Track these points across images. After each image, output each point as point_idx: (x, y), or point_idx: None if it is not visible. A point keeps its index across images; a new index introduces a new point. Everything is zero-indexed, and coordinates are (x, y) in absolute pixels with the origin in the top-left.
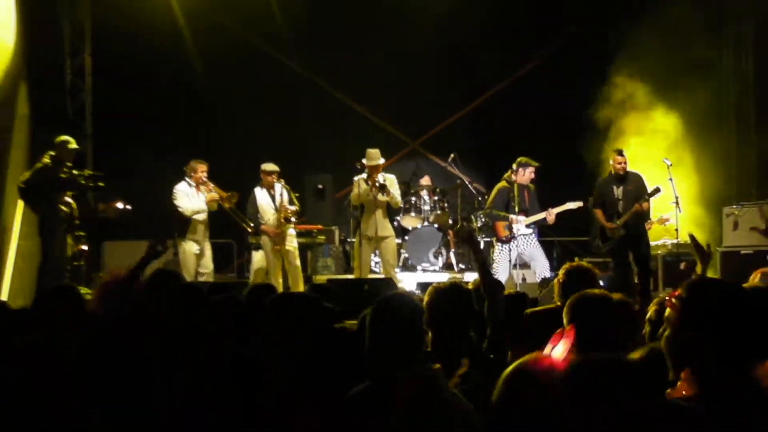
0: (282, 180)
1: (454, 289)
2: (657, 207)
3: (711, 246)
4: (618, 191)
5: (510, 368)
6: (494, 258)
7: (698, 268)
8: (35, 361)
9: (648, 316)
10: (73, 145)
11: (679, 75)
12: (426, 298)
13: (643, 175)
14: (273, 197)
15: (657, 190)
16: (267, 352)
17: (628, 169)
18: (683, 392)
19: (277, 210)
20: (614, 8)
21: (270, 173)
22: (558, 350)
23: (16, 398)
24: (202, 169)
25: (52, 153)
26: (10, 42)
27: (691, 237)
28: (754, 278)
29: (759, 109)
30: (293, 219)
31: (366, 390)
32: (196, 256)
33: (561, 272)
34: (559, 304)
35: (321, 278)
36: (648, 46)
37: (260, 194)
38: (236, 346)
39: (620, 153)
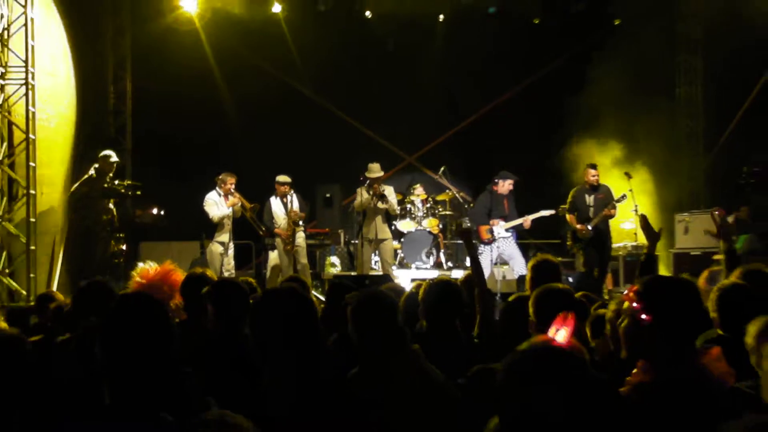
0: (291, 189)
1: (445, 284)
2: (619, 214)
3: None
4: (590, 199)
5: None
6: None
7: (645, 249)
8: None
9: (608, 316)
10: (114, 158)
11: (640, 100)
12: (421, 292)
13: (610, 187)
14: (285, 204)
15: (623, 197)
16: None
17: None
18: (638, 379)
19: (287, 215)
20: (583, 43)
21: (282, 184)
22: (561, 335)
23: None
24: (231, 181)
25: (96, 165)
26: (71, 74)
27: (642, 217)
28: (702, 276)
29: (706, 132)
30: (300, 222)
31: (360, 373)
32: (221, 255)
33: (528, 266)
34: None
35: (329, 275)
36: (614, 75)
37: (274, 203)
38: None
39: (593, 167)
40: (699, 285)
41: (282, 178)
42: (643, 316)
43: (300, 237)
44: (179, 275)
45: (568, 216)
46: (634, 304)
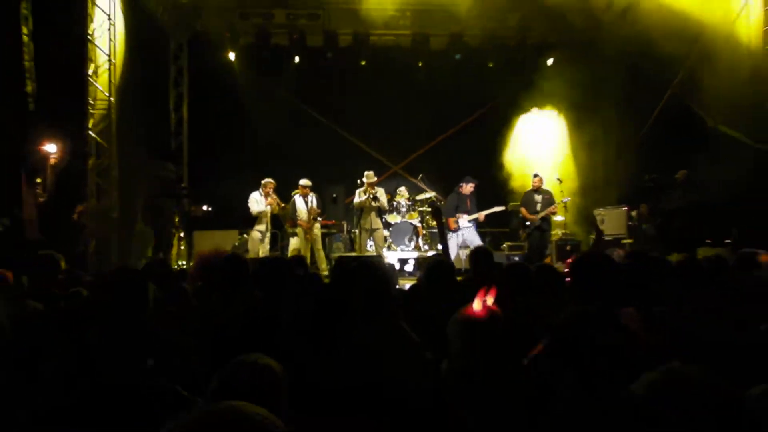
0: (310, 191)
1: (440, 263)
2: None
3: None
4: (537, 198)
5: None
6: (447, 243)
7: (591, 243)
8: None
9: None
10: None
11: (570, 120)
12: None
13: (551, 190)
14: (306, 203)
15: (564, 201)
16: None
17: (543, 186)
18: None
19: (308, 211)
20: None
21: (304, 186)
22: (477, 305)
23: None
24: (270, 186)
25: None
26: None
27: (592, 221)
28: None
29: (618, 144)
30: (318, 218)
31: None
32: (259, 241)
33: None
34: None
35: (335, 255)
36: (555, 96)
37: (298, 200)
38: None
39: (537, 175)
40: None
41: (304, 181)
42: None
43: (316, 228)
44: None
45: (522, 210)
46: None
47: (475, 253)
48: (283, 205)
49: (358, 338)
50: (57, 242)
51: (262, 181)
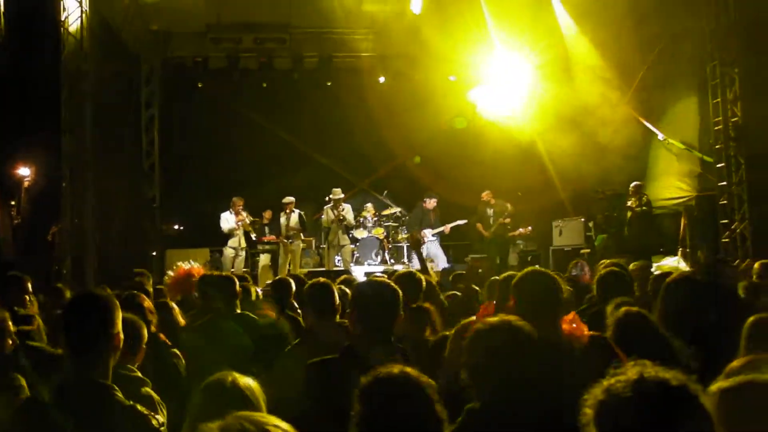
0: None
1: (410, 276)
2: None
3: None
4: (489, 212)
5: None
6: (412, 256)
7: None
8: None
9: None
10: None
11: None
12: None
13: (507, 203)
14: (288, 220)
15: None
16: None
17: (495, 199)
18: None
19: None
20: None
21: (286, 203)
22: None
23: None
24: (239, 204)
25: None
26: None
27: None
28: (571, 265)
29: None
30: (291, 234)
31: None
32: (232, 258)
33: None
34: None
35: (303, 271)
36: None
37: (282, 218)
38: None
39: (488, 192)
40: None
41: (286, 199)
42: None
43: (296, 246)
44: (199, 270)
45: (477, 225)
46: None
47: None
48: (252, 219)
49: None
50: (32, 262)
51: (233, 200)
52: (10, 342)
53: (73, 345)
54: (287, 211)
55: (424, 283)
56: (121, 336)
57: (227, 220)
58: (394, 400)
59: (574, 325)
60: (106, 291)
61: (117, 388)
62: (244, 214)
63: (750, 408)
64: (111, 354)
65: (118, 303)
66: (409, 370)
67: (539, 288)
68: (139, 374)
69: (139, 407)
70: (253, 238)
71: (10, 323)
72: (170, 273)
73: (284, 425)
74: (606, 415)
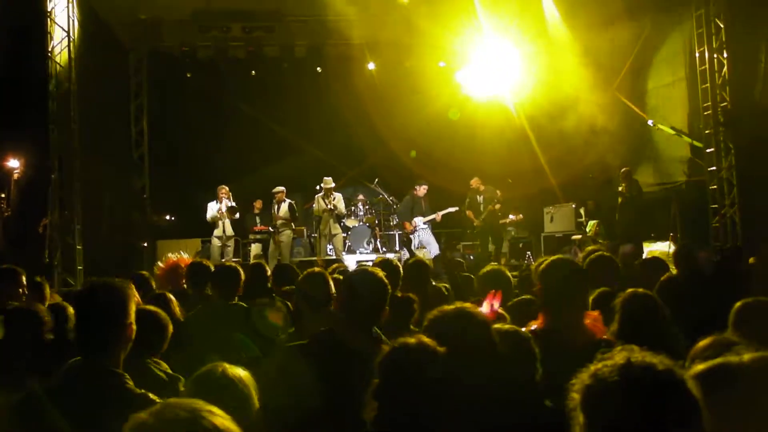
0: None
1: (387, 263)
2: (507, 209)
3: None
4: (479, 199)
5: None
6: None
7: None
8: None
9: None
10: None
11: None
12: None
13: (497, 190)
14: (278, 209)
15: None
16: None
17: (484, 186)
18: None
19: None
20: None
21: (275, 192)
22: (485, 307)
23: None
24: (223, 191)
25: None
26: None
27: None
28: (563, 250)
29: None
30: (280, 224)
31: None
32: (219, 247)
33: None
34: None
35: (295, 260)
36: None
37: (274, 207)
38: None
39: (476, 179)
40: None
41: (276, 188)
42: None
43: (285, 236)
44: (188, 261)
45: (467, 212)
46: None
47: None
48: (229, 206)
49: None
50: (22, 254)
51: (217, 188)
52: None
53: (84, 333)
54: (277, 200)
55: (401, 271)
56: (134, 327)
57: (211, 209)
58: (411, 367)
59: (597, 324)
60: (123, 282)
61: (128, 376)
62: (226, 201)
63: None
64: (123, 344)
65: (131, 293)
66: (426, 340)
67: (564, 276)
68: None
69: (151, 395)
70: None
71: None
72: (159, 264)
73: (220, 413)
74: (593, 400)
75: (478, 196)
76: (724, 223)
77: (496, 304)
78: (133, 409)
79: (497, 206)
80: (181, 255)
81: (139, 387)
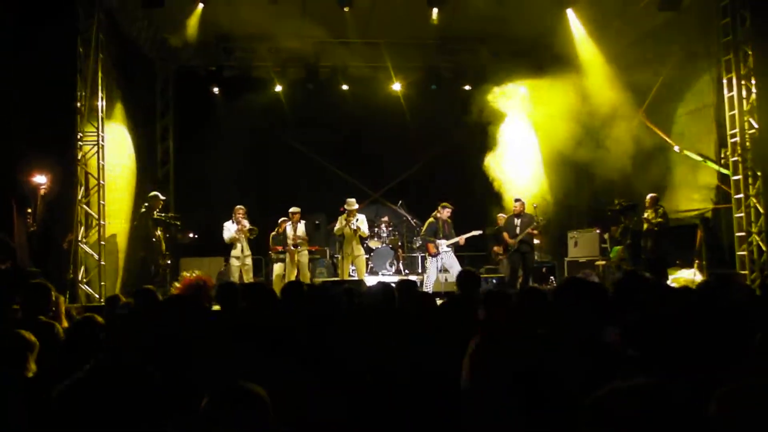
0: (299, 218)
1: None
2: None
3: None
4: (517, 222)
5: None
6: (427, 266)
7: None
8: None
9: None
10: (161, 197)
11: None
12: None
13: (533, 215)
14: (295, 229)
15: (539, 223)
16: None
17: (525, 210)
18: None
19: (293, 238)
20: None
21: (293, 213)
22: None
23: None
24: (240, 212)
25: (146, 204)
26: (128, 136)
27: None
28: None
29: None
30: (298, 243)
31: None
32: (237, 267)
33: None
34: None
35: (318, 280)
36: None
37: (288, 227)
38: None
39: (518, 200)
40: None
41: (293, 209)
42: None
43: (303, 255)
44: (210, 280)
45: (504, 234)
46: None
47: (463, 276)
48: (250, 228)
49: None
50: (47, 270)
51: (234, 209)
52: None
53: None
54: (294, 221)
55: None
56: None
57: (228, 230)
58: None
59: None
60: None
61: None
62: (245, 222)
63: None
64: None
65: None
66: None
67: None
68: None
69: None
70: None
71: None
72: (176, 284)
73: None
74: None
75: (516, 219)
76: (751, 251)
77: None
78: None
79: (535, 231)
80: (195, 273)
81: None
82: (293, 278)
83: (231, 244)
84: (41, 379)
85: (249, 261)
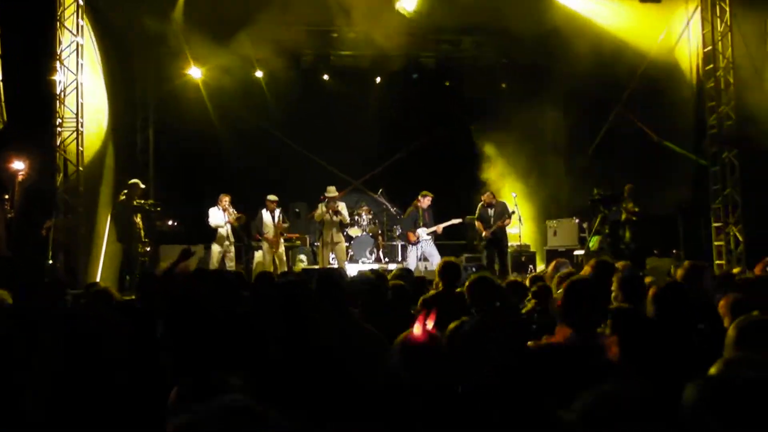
0: (277, 206)
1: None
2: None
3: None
4: (490, 212)
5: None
6: (408, 255)
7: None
8: None
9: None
10: (141, 185)
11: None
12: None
13: (506, 203)
14: (273, 218)
15: (512, 212)
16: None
17: (496, 200)
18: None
19: (275, 226)
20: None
21: (271, 201)
22: (418, 329)
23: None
24: (225, 199)
25: (126, 191)
26: (104, 124)
27: None
28: (551, 266)
29: (567, 165)
30: (284, 233)
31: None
32: (219, 253)
33: (437, 267)
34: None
35: (297, 268)
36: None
37: (265, 215)
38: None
39: (487, 191)
40: (547, 271)
41: (271, 197)
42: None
43: (281, 243)
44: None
45: (476, 223)
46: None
47: (444, 267)
48: (238, 215)
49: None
50: (25, 257)
51: (219, 196)
52: None
53: None
54: (271, 208)
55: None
56: None
57: (215, 216)
58: None
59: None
60: None
61: None
62: (232, 210)
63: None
64: None
65: None
66: None
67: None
68: None
69: None
70: (250, 237)
71: None
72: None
73: None
74: None
75: (489, 210)
76: (728, 241)
77: (430, 324)
78: None
79: (507, 222)
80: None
81: None
82: (271, 265)
83: (214, 231)
84: None
85: (232, 249)
